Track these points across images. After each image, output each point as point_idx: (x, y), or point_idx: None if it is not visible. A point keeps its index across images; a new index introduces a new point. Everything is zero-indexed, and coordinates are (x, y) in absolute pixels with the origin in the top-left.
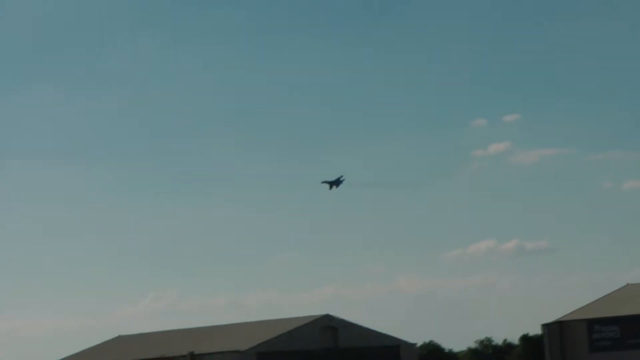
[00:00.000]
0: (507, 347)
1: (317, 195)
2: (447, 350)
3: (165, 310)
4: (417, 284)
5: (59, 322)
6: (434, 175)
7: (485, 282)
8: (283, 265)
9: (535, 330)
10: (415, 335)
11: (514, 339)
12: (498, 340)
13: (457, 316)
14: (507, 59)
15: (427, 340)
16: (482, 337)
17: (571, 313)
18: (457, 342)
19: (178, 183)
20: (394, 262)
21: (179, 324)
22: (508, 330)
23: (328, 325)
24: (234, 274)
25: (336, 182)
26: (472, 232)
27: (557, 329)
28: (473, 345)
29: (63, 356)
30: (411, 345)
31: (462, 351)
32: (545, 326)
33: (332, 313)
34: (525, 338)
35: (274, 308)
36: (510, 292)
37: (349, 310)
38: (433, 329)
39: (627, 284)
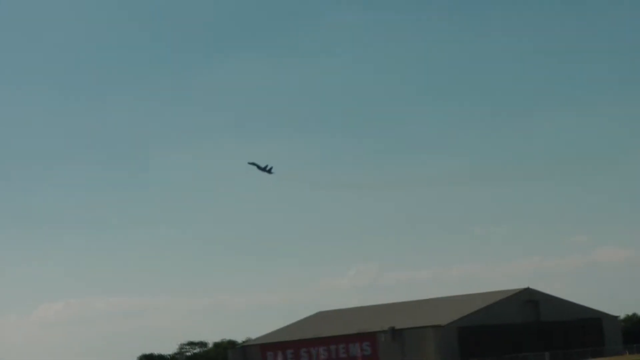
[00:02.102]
0: None
1: (519, 167)
2: None
3: (367, 285)
4: (620, 254)
5: (262, 297)
6: (631, 146)
7: None
8: (485, 237)
9: None
10: (618, 307)
11: None
12: None
13: None
14: None
15: (630, 312)
16: None
17: None
18: None
19: (380, 155)
20: (596, 233)
21: (380, 299)
22: None
23: (528, 299)
24: (436, 247)
25: (264, 169)
26: None
27: None
28: None
29: (266, 332)
30: (614, 318)
31: None
32: None
33: (532, 286)
34: None
35: (475, 281)
36: None
37: (550, 283)
38: (637, 300)
39: None
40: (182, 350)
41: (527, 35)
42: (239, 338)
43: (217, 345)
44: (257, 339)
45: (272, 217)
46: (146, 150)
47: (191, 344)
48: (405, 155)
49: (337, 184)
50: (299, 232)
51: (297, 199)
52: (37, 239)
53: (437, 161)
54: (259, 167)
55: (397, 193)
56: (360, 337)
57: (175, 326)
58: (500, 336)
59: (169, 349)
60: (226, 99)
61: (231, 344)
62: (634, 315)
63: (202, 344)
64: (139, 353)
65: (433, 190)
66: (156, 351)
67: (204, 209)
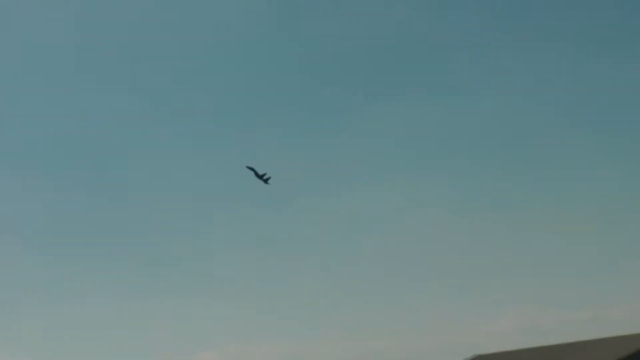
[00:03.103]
0: None
1: None
2: None
3: (525, 326)
4: None
5: (417, 340)
6: None
7: None
8: None
9: None
10: None
11: None
12: None
13: None
14: None
15: None
16: None
17: None
18: None
19: (533, 191)
20: None
21: (538, 341)
22: None
23: None
24: (594, 286)
25: (261, 177)
26: None
27: None
28: None
29: None
30: None
31: None
32: None
33: None
34: None
35: (637, 320)
36: None
37: None
38: None
39: None
40: None
41: None
42: None
43: None
44: None
45: (423, 257)
46: (296, 194)
47: None
48: (559, 190)
49: (491, 222)
50: (453, 272)
51: (451, 238)
52: (193, 286)
53: (591, 196)
54: (256, 174)
55: (552, 230)
56: None
57: None
58: None
59: None
60: (376, 141)
61: None
62: None
63: None
64: None
65: (588, 225)
66: None
67: (356, 251)
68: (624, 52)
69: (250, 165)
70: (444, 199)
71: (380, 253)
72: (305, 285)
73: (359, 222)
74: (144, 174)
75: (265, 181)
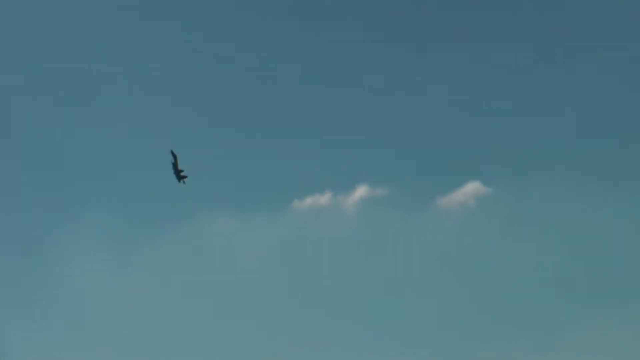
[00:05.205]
0: None
1: None
2: None
3: None
4: None
5: None
6: None
7: None
8: None
9: None
10: None
11: None
12: None
13: None
14: None
15: None
16: None
17: None
18: None
19: None
20: None
21: None
22: None
23: None
24: None
25: (177, 171)
26: None
27: None
28: None
29: None
30: None
31: None
32: None
33: None
34: None
35: None
36: None
37: None
38: None
39: None
40: None
41: None
42: None
43: None
44: None
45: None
46: None
47: None
48: None
49: None
50: None
51: None
52: None
53: None
54: (174, 165)
55: None
56: None
57: None
58: None
59: None
60: None
61: None
62: None
63: None
64: None
65: None
66: None
67: None
68: None
69: (175, 154)
70: None
71: None
72: None
73: None
74: None
75: (179, 179)
